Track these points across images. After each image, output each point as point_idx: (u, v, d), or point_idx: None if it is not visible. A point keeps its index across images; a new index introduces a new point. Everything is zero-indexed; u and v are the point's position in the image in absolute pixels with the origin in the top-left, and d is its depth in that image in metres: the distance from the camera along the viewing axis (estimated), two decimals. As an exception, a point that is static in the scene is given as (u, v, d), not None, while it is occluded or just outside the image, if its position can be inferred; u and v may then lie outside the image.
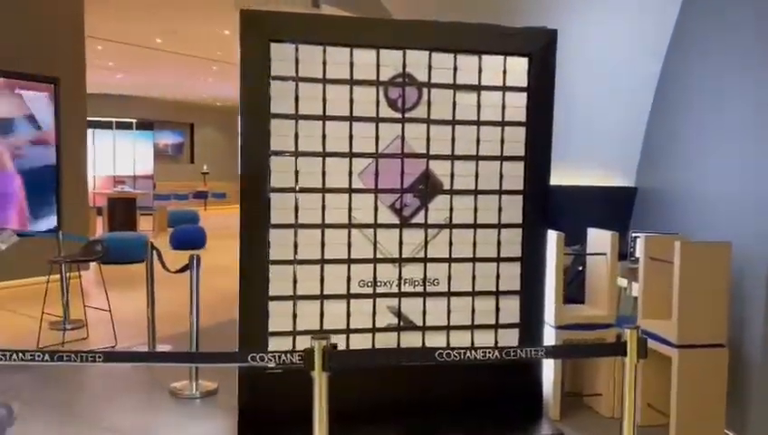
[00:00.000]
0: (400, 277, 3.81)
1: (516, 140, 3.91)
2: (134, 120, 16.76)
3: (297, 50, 3.64)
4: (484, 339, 3.91)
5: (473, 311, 3.89)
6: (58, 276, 6.03)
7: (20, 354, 2.30)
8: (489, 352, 2.44)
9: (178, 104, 24.60)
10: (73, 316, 6.00)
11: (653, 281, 3.91)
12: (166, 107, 24.12)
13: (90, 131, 10.64)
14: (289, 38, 3.63)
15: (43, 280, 5.67)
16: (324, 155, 3.70)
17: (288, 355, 2.32)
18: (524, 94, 3.89)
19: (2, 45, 7.80)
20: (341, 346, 3.65)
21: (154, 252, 5.16)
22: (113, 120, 16.46)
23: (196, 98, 23.86)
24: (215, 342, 4.49)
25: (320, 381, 2.27)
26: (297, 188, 3.68)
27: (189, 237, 11.74)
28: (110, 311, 5.56)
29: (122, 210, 12.92)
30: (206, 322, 5.27)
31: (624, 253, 4.44)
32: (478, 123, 3.86)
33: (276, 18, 3.72)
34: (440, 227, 3.84)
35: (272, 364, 2.34)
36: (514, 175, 3.91)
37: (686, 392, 3.60)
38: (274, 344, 3.65)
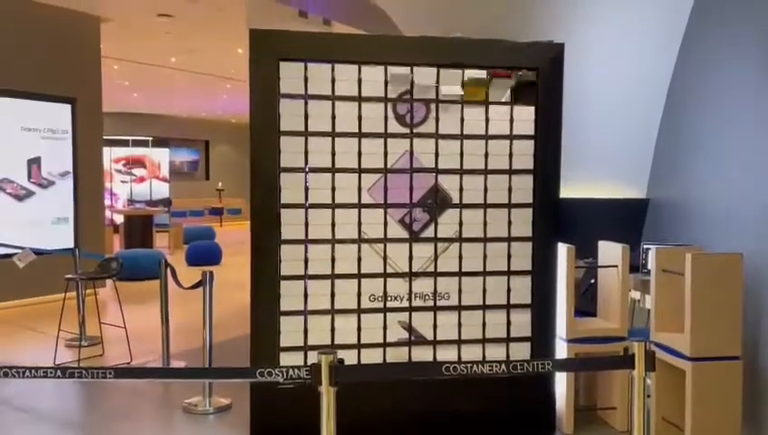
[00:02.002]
0: (411, 292, 3.82)
1: (525, 154, 3.92)
2: (150, 138, 16.97)
3: (306, 68, 3.69)
4: (496, 353, 3.90)
5: (484, 325, 3.89)
6: (75, 294, 6.10)
7: (33, 371, 2.34)
8: (496, 366, 2.44)
9: (194, 122, 24.85)
10: (89, 333, 6.07)
11: (665, 293, 3.88)
12: (181, 124, 24.37)
13: (107, 149, 10.81)
14: (298, 56, 3.68)
15: (60, 297, 5.75)
16: (334, 171, 3.73)
17: (296, 370, 2.34)
18: (532, 108, 3.91)
19: (21, 67, 7.97)
20: (353, 361, 3.69)
21: (168, 269, 5.22)
22: (130, 138, 16.68)
23: (211, 115, 24.08)
24: (230, 357, 4.51)
25: (327, 395, 2.28)
26: (307, 204, 3.72)
27: (205, 253, 11.83)
28: (125, 327, 5.61)
29: (138, 227, 13.05)
30: (222, 337, 5.31)
31: (636, 265, 4.41)
32: (486, 137, 3.88)
33: (285, 37, 3.77)
34: (450, 240, 3.85)
35: (280, 379, 2.36)
36: (524, 188, 3.92)
37: (701, 406, 3.56)
38: (286, 360, 3.67)
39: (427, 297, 3.84)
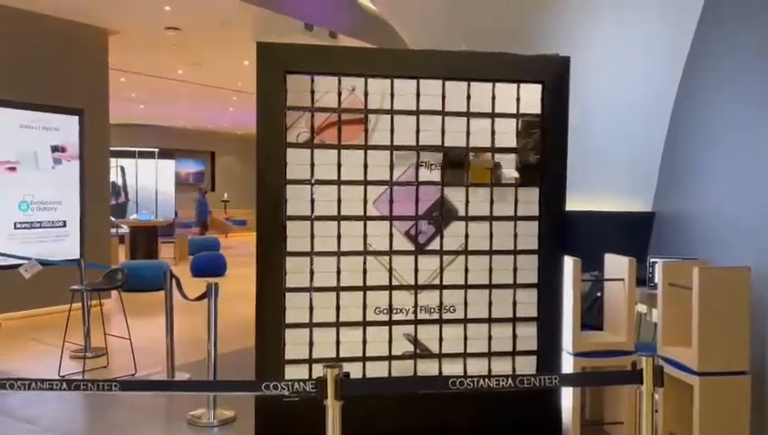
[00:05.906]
0: (416, 304, 3.81)
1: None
2: (156, 150, 17.00)
3: (312, 81, 3.70)
4: (502, 366, 3.88)
5: (489, 338, 3.87)
6: (80, 305, 6.10)
7: (39, 383, 2.34)
8: (503, 380, 2.42)
9: (200, 133, 24.94)
10: (94, 344, 6.06)
11: (672, 307, 3.85)
12: (187, 136, 24.46)
13: (113, 161, 10.84)
14: (304, 69, 3.70)
15: (66, 308, 5.74)
16: (339, 183, 3.74)
17: (301, 384, 2.33)
18: (538, 121, 3.91)
19: (29, 78, 8.03)
20: (358, 374, 3.67)
21: (173, 280, 5.21)
22: (136, 149, 16.72)
23: (216, 127, 24.19)
24: (234, 369, 4.51)
25: (333, 409, 2.27)
26: (313, 216, 3.72)
27: (210, 265, 11.82)
28: (129, 339, 5.60)
29: (144, 238, 13.06)
30: (226, 349, 5.30)
31: (643, 278, 4.39)
32: (493, 150, 3.88)
33: (292, 50, 3.79)
34: (456, 253, 3.85)
35: (286, 393, 2.35)
36: (530, 201, 3.92)
37: (709, 421, 3.52)
38: (291, 372, 3.66)
39: (432, 310, 3.82)
